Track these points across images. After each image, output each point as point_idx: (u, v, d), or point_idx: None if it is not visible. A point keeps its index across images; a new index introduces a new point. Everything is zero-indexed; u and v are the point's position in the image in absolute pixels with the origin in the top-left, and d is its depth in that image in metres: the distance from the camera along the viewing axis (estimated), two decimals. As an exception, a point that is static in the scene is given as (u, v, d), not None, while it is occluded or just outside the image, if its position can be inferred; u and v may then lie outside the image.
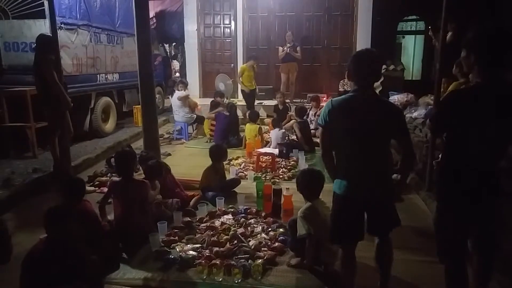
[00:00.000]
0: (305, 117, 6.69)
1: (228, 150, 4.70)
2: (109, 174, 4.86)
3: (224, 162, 4.76)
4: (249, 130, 6.28)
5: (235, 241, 3.07)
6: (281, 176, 4.90)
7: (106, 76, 7.20)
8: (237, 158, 5.71)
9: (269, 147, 6.00)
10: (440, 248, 2.12)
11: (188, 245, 3.06)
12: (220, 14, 9.90)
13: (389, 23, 10.81)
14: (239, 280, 2.63)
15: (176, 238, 3.18)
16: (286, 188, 3.70)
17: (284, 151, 5.68)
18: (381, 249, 2.39)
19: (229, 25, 9.90)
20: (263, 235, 3.23)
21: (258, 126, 6.32)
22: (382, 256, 2.40)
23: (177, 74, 13.27)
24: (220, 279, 2.65)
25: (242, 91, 8.41)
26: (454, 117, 1.92)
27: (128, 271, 2.78)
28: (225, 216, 3.57)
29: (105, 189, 4.09)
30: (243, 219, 3.50)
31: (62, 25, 5.78)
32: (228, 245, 3.02)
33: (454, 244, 2.07)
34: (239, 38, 9.75)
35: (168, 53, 13.02)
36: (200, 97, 9.76)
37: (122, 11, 7.57)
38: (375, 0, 9.09)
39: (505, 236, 2.43)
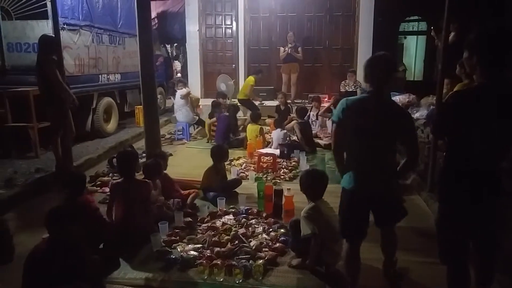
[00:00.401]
0: (305, 118, 6.69)
1: (229, 151, 4.71)
2: (110, 174, 4.87)
3: (225, 163, 4.77)
4: (250, 130, 6.29)
5: (236, 242, 3.07)
6: (282, 176, 4.90)
7: (108, 77, 7.23)
8: (238, 158, 5.72)
9: (271, 147, 6.01)
10: (442, 249, 2.13)
11: (189, 245, 3.06)
12: (221, 15, 9.92)
13: (390, 24, 10.79)
14: (240, 281, 2.64)
15: (177, 238, 3.19)
16: (287, 189, 3.70)
17: (285, 152, 5.68)
18: (386, 238, 2.58)
19: (231, 26, 9.92)
20: (264, 235, 3.24)
21: (260, 126, 6.33)
22: (387, 245, 2.60)
23: (179, 75, 13.29)
24: (221, 279, 2.66)
25: (242, 100, 8.14)
26: (457, 118, 1.92)
27: (129, 271, 2.79)
28: (226, 217, 3.58)
29: (107, 189, 4.13)
30: (244, 220, 3.50)
31: (65, 26, 5.82)
32: (229, 245, 3.02)
33: (456, 244, 2.07)
34: (241, 38, 9.76)
35: (170, 54, 13.03)
36: (201, 98, 9.77)
37: (124, 12, 7.60)
38: (376, 1, 9.09)
39: (506, 236, 2.44)
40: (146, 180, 3.36)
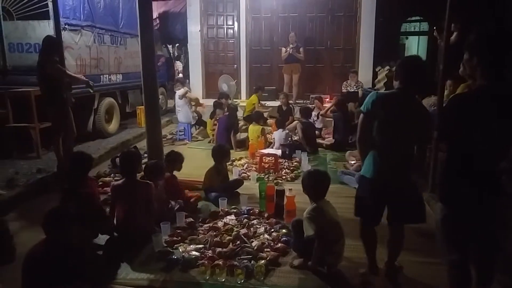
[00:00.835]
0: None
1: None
2: (112, 175, 4.87)
3: (227, 163, 4.77)
4: (252, 131, 6.28)
5: (238, 242, 3.07)
6: (284, 177, 4.89)
7: (109, 77, 7.23)
8: (240, 159, 5.72)
9: (272, 148, 6.00)
10: (443, 249, 2.12)
11: (191, 246, 3.06)
12: (223, 15, 9.93)
13: (392, 24, 10.79)
14: (242, 281, 2.63)
15: (179, 238, 3.19)
16: (289, 189, 3.69)
17: (287, 152, 5.68)
18: (394, 237, 2.63)
19: (232, 26, 9.92)
20: (266, 235, 3.23)
21: (261, 127, 6.33)
22: (394, 244, 2.64)
23: (180, 75, 13.29)
24: (223, 280, 2.65)
25: (247, 118, 7.78)
26: (458, 121, 1.92)
27: (131, 271, 2.79)
28: (228, 217, 3.57)
29: (109, 189, 4.12)
30: (246, 220, 3.50)
31: (66, 26, 5.81)
32: (231, 245, 3.02)
33: (457, 245, 2.06)
34: (242, 39, 9.77)
35: (171, 54, 13.04)
36: (203, 98, 9.78)
37: (125, 12, 7.60)
38: (378, 1, 9.07)
39: (506, 236, 2.43)
40: (148, 181, 3.35)
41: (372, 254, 2.71)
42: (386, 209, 2.56)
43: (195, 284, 2.65)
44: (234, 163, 5.46)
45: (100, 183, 4.60)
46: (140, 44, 4.22)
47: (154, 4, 4.50)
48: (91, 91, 5.27)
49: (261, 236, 3.22)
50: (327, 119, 7.18)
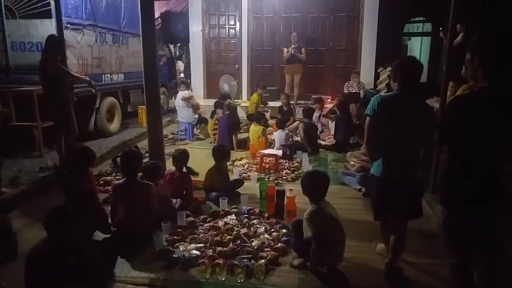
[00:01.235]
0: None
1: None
2: (113, 174, 4.89)
3: (228, 163, 4.77)
4: (253, 131, 6.29)
5: (238, 241, 3.08)
6: (285, 177, 4.90)
7: (111, 76, 7.25)
8: (241, 159, 5.72)
9: (273, 148, 6.00)
10: (445, 252, 2.12)
11: (192, 245, 3.08)
12: (225, 15, 9.93)
13: (395, 25, 10.75)
14: (242, 280, 2.65)
15: (180, 237, 3.20)
16: (290, 189, 3.71)
17: (287, 153, 5.68)
18: (398, 233, 2.69)
19: (234, 26, 9.92)
20: (266, 235, 3.24)
21: (262, 127, 6.33)
22: (397, 241, 2.70)
23: (182, 75, 13.31)
24: (223, 279, 2.66)
25: (249, 116, 7.77)
26: (459, 122, 1.91)
27: (131, 270, 2.80)
28: (229, 216, 3.59)
29: (110, 188, 4.13)
30: (246, 220, 3.51)
31: (68, 25, 5.83)
32: (231, 245, 3.03)
33: (458, 248, 2.05)
34: (244, 39, 9.76)
35: (173, 54, 13.05)
36: (204, 98, 9.79)
37: (127, 12, 7.62)
38: (381, 2, 9.05)
39: (509, 239, 2.42)
40: (148, 182, 3.36)
41: (389, 239, 2.79)
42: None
43: (195, 283, 2.66)
44: (235, 163, 5.47)
45: (101, 182, 4.62)
46: (142, 44, 4.23)
47: (156, 3, 4.51)
48: (93, 90, 5.30)
49: (261, 235, 3.23)
50: (328, 120, 7.18)
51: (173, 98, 7.71)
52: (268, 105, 8.55)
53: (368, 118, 2.63)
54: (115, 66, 7.37)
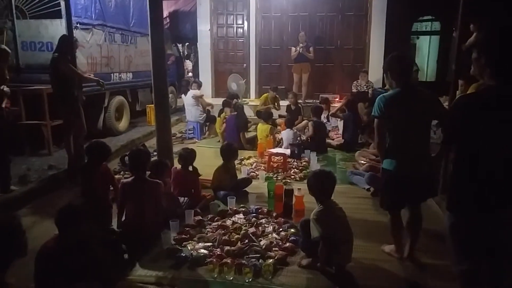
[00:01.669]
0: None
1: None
2: (122, 172, 4.91)
3: (236, 162, 4.77)
4: (261, 130, 6.28)
5: (246, 241, 3.07)
6: (293, 176, 4.88)
7: (120, 75, 7.30)
8: (249, 158, 5.72)
9: (281, 147, 5.99)
10: (453, 258, 2.06)
11: (200, 244, 3.07)
12: (233, 14, 9.93)
13: (403, 24, 10.67)
14: (250, 280, 2.63)
15: (188, 236, 3.20)
16: (298, 189, 3.69)
17: (296, 152, 5.66)
18: (414, 217, 2.83)
19: (242, 25, 9.92)
20: (274, 235, 3.23)
21: (270, 126, 6.32)
22: (414, 224, 2.84)
23: (190, 74, 13.36)
24: (231, 278, 2.66)
25: (257, 113, 7.95)
26: (465, 122, 1.86)
27: (139, 268, 2.81)
28: (237, 216, 3.58)
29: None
30: (254, 219, 3.50)
31: (78, 25, 5.88)
32: (239, 244, 3.02)
33: (466, 254, 1.99)
34: (252, 38, 9.75)
35: (181, 53, 13.11)
36: (212, 97, 9.80)
37: (136, 11, 7.66)
38: (389, 0, 8.99)
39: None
40: (157, 180, 3.37)
41: (398, 239, 2.90)
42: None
43: (203, 282, 2.66)
44: (243, 162, 5.47)
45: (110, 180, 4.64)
46: (151, 43, 4.24)
47: (164, 3, 4.51)
48: (103, 88, 5.35)
49: (270, 235, 3.22)
50: (337, 119, 7.15)
51: (182, 97, 7.72)
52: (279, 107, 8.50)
53: (376, 119, 2.67)
54: (123, 65, 7.41)
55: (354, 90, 8.34)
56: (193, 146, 6.58)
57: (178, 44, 12.37)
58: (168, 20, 12.04)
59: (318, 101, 8.39)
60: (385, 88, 8.96)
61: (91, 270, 2.28)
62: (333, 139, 6.68)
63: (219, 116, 7.31)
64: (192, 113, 7.24)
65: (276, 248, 3.01)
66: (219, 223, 3.43)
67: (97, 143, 3.60)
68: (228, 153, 4.35)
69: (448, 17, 9.82)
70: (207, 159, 5.37)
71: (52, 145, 5.67)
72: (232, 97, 7.57)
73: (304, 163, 5.42)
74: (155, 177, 3.42)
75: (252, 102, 9.12)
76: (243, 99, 8.83)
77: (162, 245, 3.04)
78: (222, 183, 4.19)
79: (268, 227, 3.36)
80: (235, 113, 6.71)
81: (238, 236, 3.14)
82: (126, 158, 4.85)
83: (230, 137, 6.31)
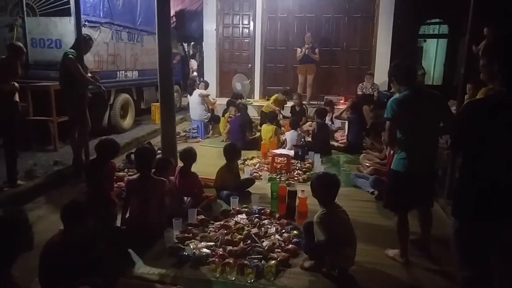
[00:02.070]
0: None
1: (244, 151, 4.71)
2: (126, 170, 4.93)
3: (239, 162, 4.76)
4: (265, 130, 6.29)
5: (249, 241, 3.07)
6: (296, 178, 4.88)
7: (125, 73, 7.33)
8: (252, 158, 5.71)
9: (285, 148, 5.99)
10: (457, 263, 2.04)
11: (202, 243, 3.08)
12: (239, 14, 9.93)
13: (410, 26, 10.62)
14: (252, 280, 2.64)
15: (190, 235, 3.21)
16: (302, 190, 3.67)
17: (299, 153, 5.65)
18: (426, 218, 3.01)
19: (248, 26, 9.92)
20: (277, 236, 3.23)
21: (275, 127, 6.32)
22: (425, 222, 3.02)
23: (195, 73, 13.37)
24: (233, 278, 2.66)
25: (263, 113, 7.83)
26: (473, 128, 1.83)
27: (142, 266, 2.82)
28: (239, 216, 3.58)
29: (122, 184, 4.19)
30: (257, 220, 3.50)
31: (86, 23, 5.89)
32: (241, 244, 3.03)
33: (469, 261, 1.96)
34: (258, 38, 9.75)
35: (187, 52, 13.12)
36: (217, 97, 9.80)
37: (143, 10, 7.68)
38: (396, 3, 8.94)
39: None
40: (162, 178, 3.39)
41: (404, 242, 2.92)
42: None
43: (205, 281, 2.67)
44: (246, 162, 5.47)
45: (114, 177, 4.66)
46: (158, 42, 4.26)
47: (171, 2, 4.53)
48: (104, 95, 5.39)
49: (272, 236, 3.22)
50: (342, 121, 7.14)
51: (188, 96, 7.75)
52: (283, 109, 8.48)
53: (388, 121, 2.73)
54: (129, 63, 7.44)
55: (359, 92, 8.31)
56: (197, 146, 6.63)
57: (183, 43, 12.38)
58: (174, 19, 12.06)
59: (323, 102, 8.40)
60: (391, 91, 8.96)
61: (95, 266, 2.29)
62: (337, 141, 6.67)
63: (223, 116, 7.33)
64: (197, 111, 7.25)
65: (279, 250, 3.01)
66: (222, 223, 3.44)
67: (107, 141, 3.61)
68: (231, 153, 4.36)
69: (456, 20, 9.75)
70: (210, 159, 5.40)
71: (58, 141, 5.72)
72: (236, 97, 7.58)
73: (308, 164, 5.41)
74: (160, 175, 3.44)
75: (256, 102, 9.12)
76: (248, 100, 8.83)
77: (165, 243, 3.05)
78: (225, 183, 4.20)
79: (270, 228, 3.36)
80: (238, 114, 6.72)
81: (240, 236, 3.14)
82: (132, 155, 4.87)
83: (234, 138, 6.32)
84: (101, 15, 6.38)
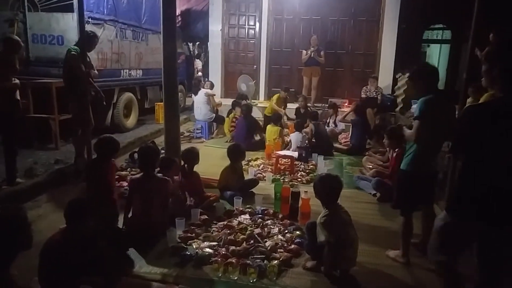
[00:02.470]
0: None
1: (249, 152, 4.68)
2: (129, 169, 4.91)
3: (243, 163, 4.74)
4: (270, 132, 6.27)
5: (252, 241, 3.05)
6: (300, 179, 4.86)
7: (129, 72, 7.30)
8: (256, 159, 5.70)
9: (289, 150, 5.97)
10: (432, 249, 2.16)
11: (205, 243, 3.06)
12: (245, 15, 9.93)
13: (414, 31, 10.61)
14: (254, 280, 2.62)
15: (193, 235, 3.19)
16: (304, 191, 3.66)
17: (303, 155, 5.64)
18: (428, 216, 2.98)
19: (254, 27, 9.92)
20: (280, 236, 3.21)
21: (279, 128, 6.30)
22: (428, 222, 2.95)
23: (200, 73, 13.38)
24: (235, 278, 2.64)
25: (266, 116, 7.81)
26: (473, 133, 1.86)
27: (144, 265, 2.79)
28: (243, 216, 3.57)
29: (125, 183, 4.16)
30: (260, 220, 3.49)
31: (89, 20, 5.85)
32: (244, 244, 3.01)
33: (450, 251, 2.06)
34: (263, 39, 9.75)
35: (192, 52, 13.12)
36: (221, 97, 9.80)
37: (148, 8, 7.65)
38: (401, 7, 8.95)
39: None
40: (166, 177, 3.36)
41: (407, 243, 2.95)
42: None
43: (207, 281, 2.65)
44: (250, 163, 5.45)
45: (116, 176, 4.63)
46: (163, 41, 4.23)
47: (176, 1, 4.51)
48: (103, 101, 5.28)
49: (275, 236, 3.20)
50: (346, 123, 7.13)
51: (193, 96, 7.72)
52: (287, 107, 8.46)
53: (417, 121, 2.71)
54: (134, 62, 7.42)
55: (363, 95, 8.29)
56: (201, 146, 6.62)
57: (188, 43, 12.38)
58: (179, 19, 12.05)
59: (327, 105, 8.38)
60: (394, 94, 8.95)
61: (95, 265, 2.27)
62: (341, 143, 6.66)
63: (227, 116, 7.30)
64: (202, 111, 7.22)
65: (281, 250, 2.99)
66: (225, 223, 3.41)
67: (106, 138, 3.55)
68: (235, 154, 4.34)
69: (460, 26, 9.76)
70: (214, 159, 5.37)
71: (59, 140, 5.66)
72: (241, 98, 7.56)
73: (311, 166, 5.39)
74: (164, 174, 3.42)
75: (261, 104, 9.09)
76: (252, 101, 8.80)
77: (167, 242, 3.03)
78: (229, 183, 4.18)
79: (273, 228, 3.35)
80: (242, 115, 6.70)
81: (243, 236, 3.12)
82: (135, 155, 4.84)
83: (237, 139, 6.30)
84: (105, 12, 6.35)
